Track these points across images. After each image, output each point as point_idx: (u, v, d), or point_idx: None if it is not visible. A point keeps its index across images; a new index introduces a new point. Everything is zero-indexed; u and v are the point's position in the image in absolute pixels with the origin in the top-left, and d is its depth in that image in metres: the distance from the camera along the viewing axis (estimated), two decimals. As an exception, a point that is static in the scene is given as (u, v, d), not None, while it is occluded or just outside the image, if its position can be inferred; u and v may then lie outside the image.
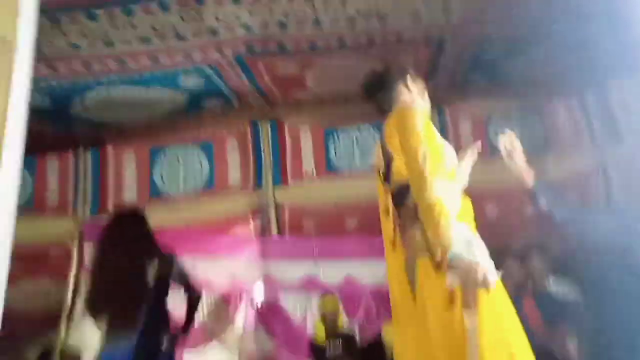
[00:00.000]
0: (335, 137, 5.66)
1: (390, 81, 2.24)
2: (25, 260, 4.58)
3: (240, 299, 4.84)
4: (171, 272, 2.81)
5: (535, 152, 5.36)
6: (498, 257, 3.71)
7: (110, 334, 2.56)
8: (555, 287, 3.58)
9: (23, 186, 5.23)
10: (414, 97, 2.21)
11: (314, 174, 5.55)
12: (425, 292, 1.82)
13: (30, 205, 5.39)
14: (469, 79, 5.18)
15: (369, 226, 5.40)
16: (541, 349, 3.07)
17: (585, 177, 5.28)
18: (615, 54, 3.93)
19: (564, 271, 3.72)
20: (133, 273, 2.72)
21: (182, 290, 2.83)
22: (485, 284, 1.68)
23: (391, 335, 4.21)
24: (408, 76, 2.24)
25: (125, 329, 2.56)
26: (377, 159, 2.20)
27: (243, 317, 4.78)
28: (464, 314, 1.68)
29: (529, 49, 4.56)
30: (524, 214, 5.36)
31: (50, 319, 5.20)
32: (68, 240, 5.27)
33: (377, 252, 5.05)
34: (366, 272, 5.02)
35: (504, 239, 4.86)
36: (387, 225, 2.10)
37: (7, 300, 1.67)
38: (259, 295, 4.88)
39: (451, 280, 1.75)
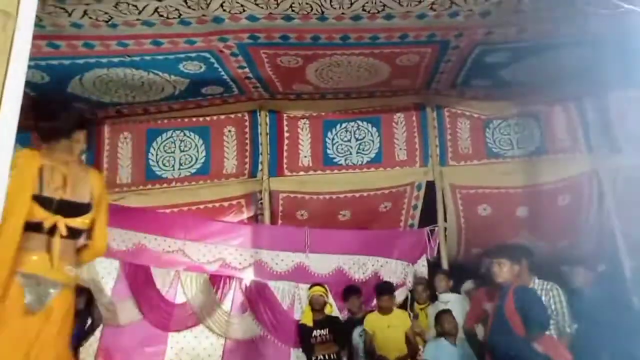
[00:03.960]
0: (334, 130, 5.69)
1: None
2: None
3: (229, 284, 4.89)
4: None
5: (530, 155, 5.52)
6: (489, 255, 3.82)
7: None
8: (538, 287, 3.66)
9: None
10: None
11: (310, 166, 5.59)
12: None
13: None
14: (469, 82, 5.20)
15: (362, 220, 5.52)
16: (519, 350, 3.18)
17: (578, 182, 5.37)
18: (616, 64, 3.97)
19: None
20: None
21: None
22: None
23: (372, 323, 4.32)
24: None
25: None
26: None
27: (231, 301, 4.83)
28: None
29: (530, 55, 4.59)
30: (516, 215, 5.47)
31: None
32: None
33: (368, 246, 5.16)
34: (356, 265, 5.10)
35: (495, 239, 4.96)
36: None
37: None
38: (248, 281, 4.94)
39: None
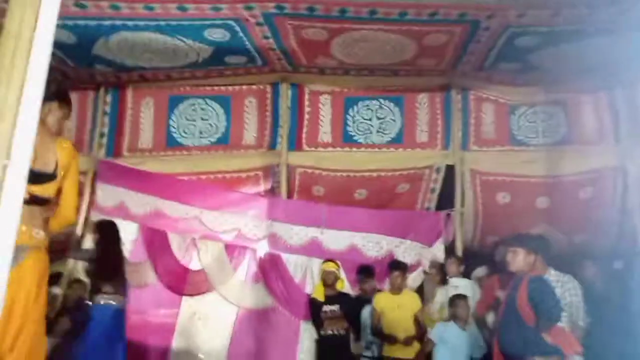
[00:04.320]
0: (355, 107, 5.63)
1: None
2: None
3: (244, 254, 4.95)
4: None
5: (555, 145, 5.38)
6: (505, 243, 3.79)
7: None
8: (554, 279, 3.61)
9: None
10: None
11: (329, 142, 5.56)
12: None
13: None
14: (497, 65, 5.06)
15: (378, 200, 5.50)
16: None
17: (603, 176, 5.23)
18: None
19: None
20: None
21: None
22: None
23: (382, 302, 4.35)
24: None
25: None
26: None
27: (244, 271, 4.90)
28: None
29: (562, 40, 4.43)
30: (535, 205, 5.37)
31: (60, 248, 5.41)
32: (81, 178, 5.37)
33: (384, 225, 5.15)
34: (370, 244, 5.10)
35: (512, 227, 4.90)
36: None
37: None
38: (262, 252, 4.99)
39: None
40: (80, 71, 5.30)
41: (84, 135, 5.66)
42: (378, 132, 5.57)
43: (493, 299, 4.06)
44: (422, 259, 5.06)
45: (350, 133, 5.58)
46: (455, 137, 5.50)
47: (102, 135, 5.64)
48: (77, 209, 2.09)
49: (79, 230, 5.01)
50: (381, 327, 4.25)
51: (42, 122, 2.16)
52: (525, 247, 3.46)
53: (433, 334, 4.07)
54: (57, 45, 4.44)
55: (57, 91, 2.33)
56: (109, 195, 5.12)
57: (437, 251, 5.06)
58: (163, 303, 4.66)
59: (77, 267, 4.77)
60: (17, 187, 1.66)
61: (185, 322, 4.66)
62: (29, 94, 1.72)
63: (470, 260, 4.94)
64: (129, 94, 5.73)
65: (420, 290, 4.91)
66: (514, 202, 5.42)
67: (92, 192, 5.25)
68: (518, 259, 3.44)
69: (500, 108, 5.61)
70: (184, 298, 4.75)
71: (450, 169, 5.44)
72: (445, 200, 5.44)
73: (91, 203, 5.20)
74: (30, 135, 1.73)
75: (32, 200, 2.04)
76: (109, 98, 5.73)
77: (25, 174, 1.68)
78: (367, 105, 5.63)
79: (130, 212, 4.86)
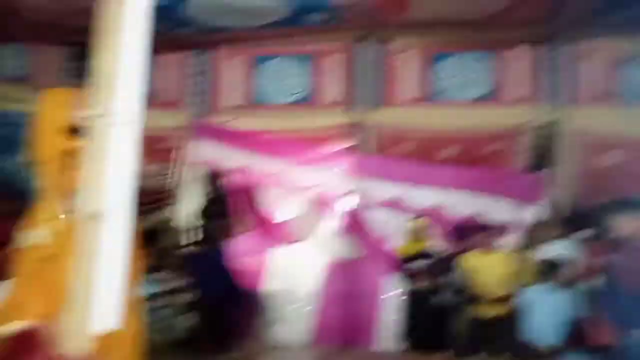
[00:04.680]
0: (442, 63, 5.38)
1: None
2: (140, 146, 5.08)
3: (330, 208, 5.05)
4: None
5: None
6: (610, 207, 3.51)
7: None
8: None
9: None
10: None
11: (414, 99, 5.41)
12: None
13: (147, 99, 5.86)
14: (605, 12, 4.53)
15: (466, 159, 5.30)
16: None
17: None
18: None
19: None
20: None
21: None
22: None
23: (469, 262, 4.26)
24: None
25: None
26: None
27: (331, 225, 5.02)
28: None
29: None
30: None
31: (157, 198, 5.89)
32: (177, 134, 5.74)
33: (470, 184, 4.98)
34: (460, 202, 4.97)
35: (617, 190, 4.52)
36: None
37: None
38: (347, 207, 5.05)
39: None
40: (171, 35, 5.55)
41: (178, 95, 5.99)
42: (468, 88, 5.31)
43: (594, 264, 3.82)
44: (517, 220, 4.84)
45: (437, 89, 5.37)
46: (556, 93, 5.09)
47: (194, 95, 5.92)
48: None
49: (174, 183, 5.43)
50: (470, 286, 4.18)
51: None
52: (632, 213, 3.23)
53: (523, 296, 3.93)
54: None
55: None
56: (202, 151, 5.42)
57: (533, 212, 4.80)
58: (255, 252, 4.92)
59: (173, 217, 5.16)
60: (128, 144, 1.80)
61: (275, 270, 4.90)
62: (131, 58, 1.83)
63: (569, 222, 4.65)
64: (217, 54, 5.92)
65: (513, 252, 4.74)
66: (620, 164, 4.97)
67: (187, 147, 5.59)
68: (624, 225, 3.23)
69: (608, 60, 5.08)
70: (274, 248, 4.97)
71: (549, 127, 5.07)
72: (543, 160, 5.11)
73: (186, 157, 5.55)
74: (137, 92, 1.85)
75: None
76: (199, 60, 5.97)
77: (134, 130, 1.81)
78: (456, 61, 5.37)
79: (223, 167, 5.12)
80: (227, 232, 3.94)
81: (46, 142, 2.07)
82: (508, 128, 5.16)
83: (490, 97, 5.26)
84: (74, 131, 2.19)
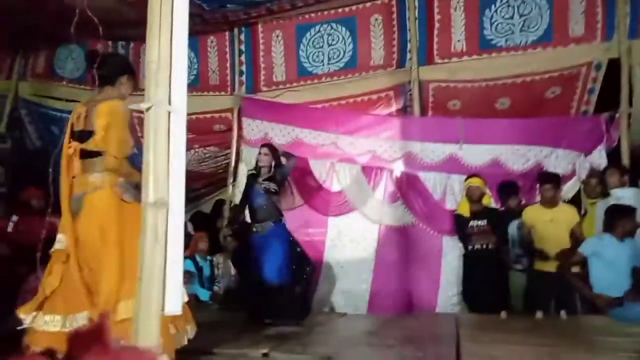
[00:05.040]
0: (492, 7, 5.03)
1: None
2: (195, 131, 5.31)
3: (381, 174, 5.03)
4: None
5: None
6: None
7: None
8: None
9: (190, 67, 5.89)
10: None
11: (464, 51, 5.13)
12: None
13: (196, 84, 6.06)
14: None
15: (524, 108, 5.01)
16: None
17: None
18: None
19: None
20: None
21: None
22: None
23: (532, 216, 4.09)
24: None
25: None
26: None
27: (383, 191, 5.01)
28: None
29: None
30: None
31: (218, 178, 6.16)
32: (229, 115, 5.90)
33: (531, 135, 4.72)
34: (515, 156, 4.76)
35: None
36: None
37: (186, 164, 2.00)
38: (398, 172, 5.01)
39: None
40: (214, 13, 5.62)
41: (226, 76, 6.11)
42: (522, 31, 4.95)
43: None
44: (578, 168, 4.54)
45: (488, 37, 5.05)
46: (621, 25, 4.61)
47: (241, 73, 6.01)
48: (116, 155, 2.37)
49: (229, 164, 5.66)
50: (531, 241, 4.03)
51: (118, 92, 2.55)
52: None
53: (584, 247, 3.72)
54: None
55: (127, 65, 2.67)
56: (254, 128, 5.56)
57: (597, 159, 4.47)
58: (312, 224, 5.05)
59: (235, 193, 5.38)
60: (179, 131, 1.89)
61: (333, 240, 5.01)
62: (177, 43, 1.91)
63: (636, 168, 4.30)
64: (260, 29, 5.93)
65: (576, 202, 4.48)
66: None
67: (240, 127, 5.74)
68: None
69: None
70: (330, 218, 5.07)
71: (613, 64, 4.64)
72: (607, 101, 4.71)
73: (240, 137, 5.71)
74: (184, 80, 1.94)
75: (85, 155, 2.43)
76: (242, 37, 6.02)
77: (184, 118, 1.92)
78: (507, 2, 4.99)
79: (275, 143, 5.21)
80: (279, 208, 4.02)
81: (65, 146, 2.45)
82: (567, 70, 4.78)
83: (547, 38, 4.87)
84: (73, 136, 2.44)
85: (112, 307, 2.17)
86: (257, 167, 4.06)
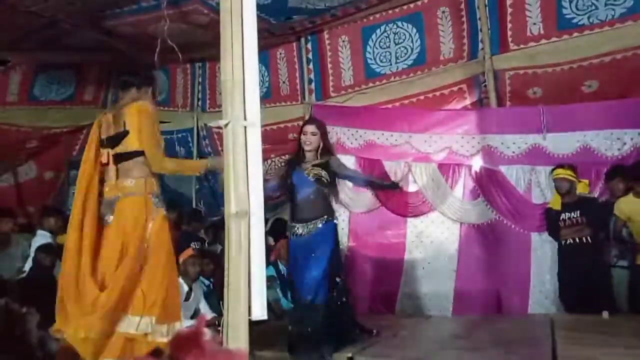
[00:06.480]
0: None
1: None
2: (270, 141, 5.47)
3: (459, 171, 4.87)
4: None
5: None
6: None
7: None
8: None
9: (261, 80, 6.10)
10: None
11: (542, 34, 4.82)
12: None
13: (268, 96, 6.26)
14: None
15: (614, 89, 4.58)
16: None
17: None
18: None
19: None
20: None
21: None
22: None
23: (625, 208, 3.74)
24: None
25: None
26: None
27: (462, 188, 4.84)
28: None
29: None
30: None
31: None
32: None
33: (625, 117, 4.33)
34: (605, 142, 4.38)
35: None
36: None
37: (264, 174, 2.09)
38: (477, 167, 4.81)
39: None
40: (281, 25, 5.78)
41: (295, 85, 6.25)
42: (607, 6, 4.54)
43: None
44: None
45: (568, 16, 4.69)
46: None
47: (310, 81, 6.12)
48: (158, 159, 2.43)
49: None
50: (627, 235, 3.69)
51: (143, 95, 2.68)
52: None
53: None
54: (258, 7, 4.93)
55: (150, 78, 2.81)
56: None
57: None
58: (390, 226, 4.99)
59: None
60: (255, 144, 1.99)
61: (412, 241, 4.92)
62: (249, 61, 2.01)
63: None
64: (325, 36, 6.00)
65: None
66: None
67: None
68: None
69: None
70: (409, 219, 4.98)
71: None
72: None
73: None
74: (257, 95, 2.04)
75: (119, 159, 2.52)
76: (309, 45, 6.13)
77: (259, 131, 2.01)
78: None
79: (346, 147, 5.23)
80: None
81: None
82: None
83: (637, 10, 4.44)
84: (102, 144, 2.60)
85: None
86: (301, 151, 3.28)
